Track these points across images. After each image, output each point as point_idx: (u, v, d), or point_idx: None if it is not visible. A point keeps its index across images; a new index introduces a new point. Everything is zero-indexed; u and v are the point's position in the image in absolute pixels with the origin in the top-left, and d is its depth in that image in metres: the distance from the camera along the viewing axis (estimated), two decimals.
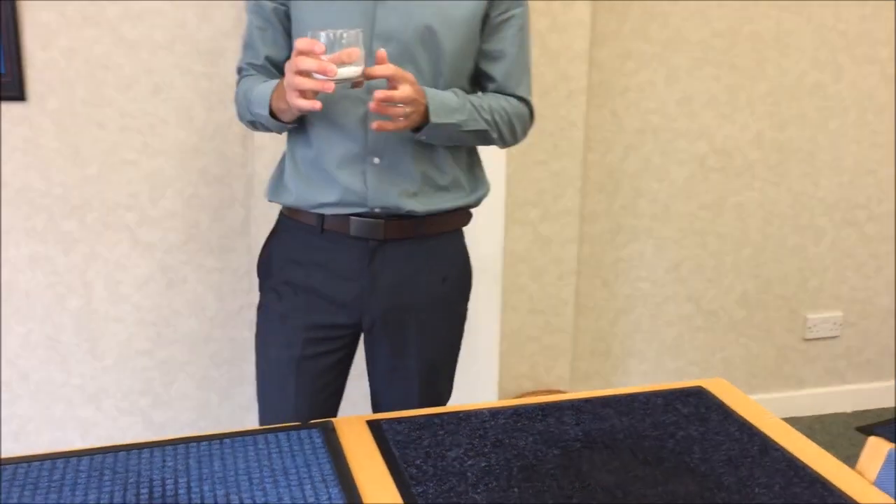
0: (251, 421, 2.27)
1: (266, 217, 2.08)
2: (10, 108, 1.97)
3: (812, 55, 2.56)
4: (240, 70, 1.51)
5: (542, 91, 2.29)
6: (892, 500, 1.12)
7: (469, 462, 1.17)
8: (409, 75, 1.31)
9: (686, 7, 2.43)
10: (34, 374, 2.12)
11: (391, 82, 1.28)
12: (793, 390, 2.83)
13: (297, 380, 1.50)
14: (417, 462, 1.17)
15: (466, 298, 1.61)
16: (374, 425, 1.27)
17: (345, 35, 1.24)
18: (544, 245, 2.40)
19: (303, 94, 1.25)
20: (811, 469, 1.17)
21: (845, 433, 2.71)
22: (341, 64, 1.23)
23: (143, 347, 2.17)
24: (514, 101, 1.49)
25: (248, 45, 1.49)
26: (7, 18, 1.89)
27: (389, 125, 1.33)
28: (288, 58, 1.45)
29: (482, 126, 1.43)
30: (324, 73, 1.21)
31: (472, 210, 1.56)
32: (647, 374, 2.68)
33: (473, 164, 1.53)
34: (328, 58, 1.23)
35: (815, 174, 2.66)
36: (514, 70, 1.49)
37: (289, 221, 1.51)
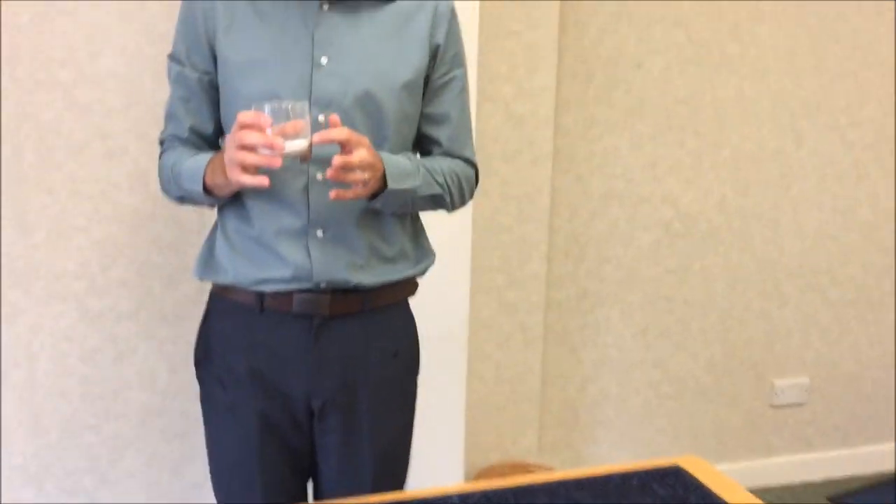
0: (203, 498, 2.15)
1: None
2: None
3: (773, 122, 2.58)
4: (162, 142, 1.45)
5: (507, 157, 2.26)
6: None
7: None
8: (364, 139, 1.25)
9: (649, 74, 2.44)
10: None
11: (345, 147, 1.22)
12: (762, 458, 2.79)
13: (263, 477, 1.40)
14: None
15: (416, 374, 1.52)
16: None
17: (291, 107, 1.18)
18: (510, 312, 2.35)
19: (246, 168, 1.19)
20: None
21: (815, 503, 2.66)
22: (287, 137, 1.17)
23: (89, 422, 2.05)
24: (460, 162, 1.45)
25: (170, 116, 1.42)
26: None
27: (348, 193, 1.26)
28: (215, 129, 1.41)
29: (436, 190, 1.38)
30: (270, 147, 1.16)
31: (428, 278, 1.49)
32: (616, 444, 2.62)
33: (418, 233, 1.46)
34: (274, 130, 1.17)
35: (779, 239, 2.66)
36: (459, 132, 1.44)
37: (223, 302, 1.42)
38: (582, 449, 2.58)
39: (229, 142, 1.21)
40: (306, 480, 1.48)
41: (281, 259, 1.34)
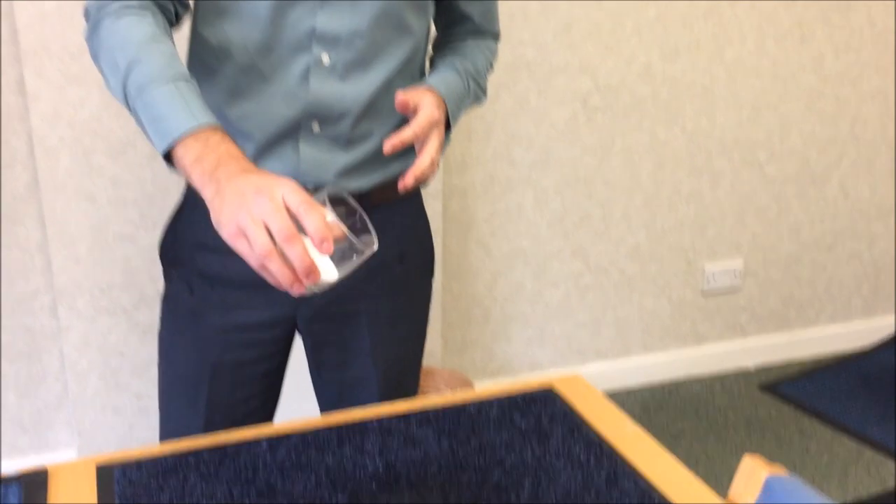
0: (60, 421, 1.93)
1: (54, 183, 1.72)
2: None
3: None
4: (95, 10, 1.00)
5: None
6: None
7: None
8: (433, 113, 1.05)
9: None
10: None
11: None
12: (691, 347, 2.61)
13: (211, 391, 1.18)
14: None
15: (430, 277, 1.29)
16: (103, 473, 0.95)
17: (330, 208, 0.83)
18: None
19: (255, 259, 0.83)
20: (659, 497, 0.90)
21: (747, 393, 2.50)
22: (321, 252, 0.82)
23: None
24: (491, 43, 1.27)
25: None
26: None
27: (428, 169, 1.04)
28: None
29: (479, 99, 1.24)
30: (306, 273, 0.80)
31: None
32: (532, 341, 2.41)
33: None
34: (317, 243, 0.80)
35: (711, 111, 2.40)
36: (492, 5, 1.25)
37: (198, 198, 1.14)
38: (493, 348, 2.38)
39: (258, 201, 0.82)
40: (271, 404, 1.26)
41: (269, 153, 1.09)
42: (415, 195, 1.23)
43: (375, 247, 0.84)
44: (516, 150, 2.24)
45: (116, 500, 0.90)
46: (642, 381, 2.56)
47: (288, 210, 0.81)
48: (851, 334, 2.76)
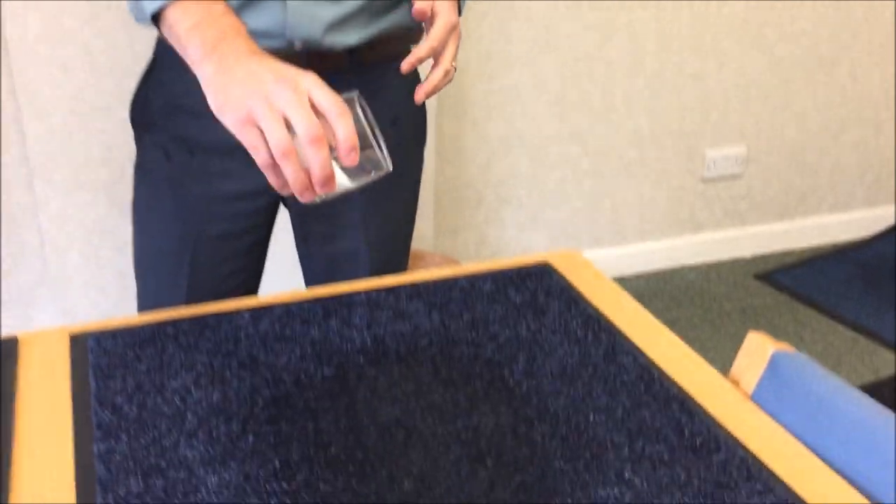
0: (43, 299, 1.89)
1: (24, 49, 1.61)
2: None
3: None
4: None
5: None
6: (771, 422, 0.82)
7: (197, 395, 0.83)
8: (451, 17, 0.94)
9: None
10: None
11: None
12: (689, 235, 2.56)
13: (193, 265, 1.12)
14: (118, 400, 0.82)
15: (423, 144, 1.22)
16: (77, 342, 0.91)
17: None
18: None
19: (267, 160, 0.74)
20: (668, 380, 0.87)
21: (743, 281, 2.47)
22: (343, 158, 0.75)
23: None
24: None
25: None
26: None
27: (441, 81, 0.94)
28: None
29: None
30: (322, 181, 0.72)
31: None
32: (526, 226, 2.36)
33: None
34: (343, 151, 0.73)
35: None
36: None
37: (174, 56, 1.05)
38: (486, 233, 2.33)
39: (279, 90, 0.73)
40: (255, 280, 1.21)
41: (253, 4, 0.99)
42: (409, 55, 1.15)
43: (390, 167, 0.78)
44: (514, 26, 2.14)
45: (90, 370, 0.86)
46: (638, 269, 2.52)
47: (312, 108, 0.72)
48: (852, 224, 2.71)
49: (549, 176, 2.33)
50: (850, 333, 2.26)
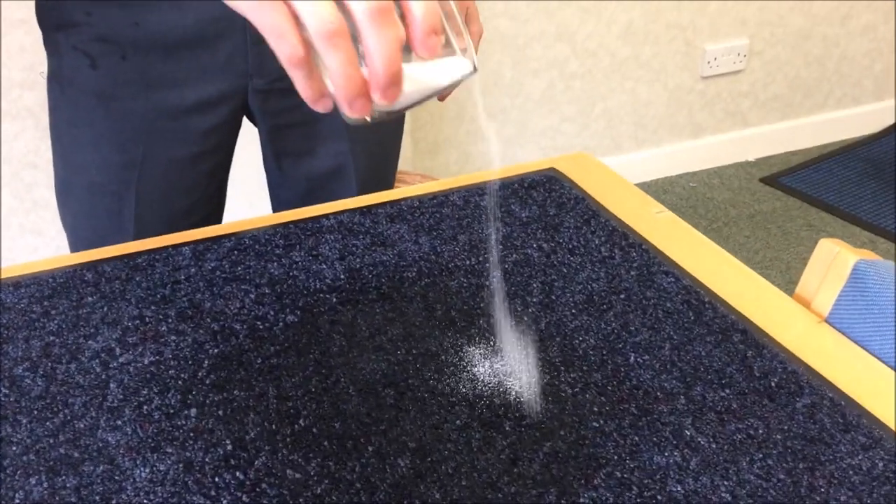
0: None
1: None
2: None
3: None
4: None
5: None
6: (861, 352, 0.65)
7: (123, 359, 0.64)
8: None
9: None
10: None
11: None
12: (688, 140, 2.37)
13: (139, 202, 0.92)
14: (18, 371, 0.63)
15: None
16: None
17: None
18: None
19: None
20: (723, 304, 0.69)
21: (748, 186, 2.30)
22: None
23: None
24: None
25: None
26: None
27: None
28: None
29: None
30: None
31: None
32: (512, 139, 2.16)
33: None
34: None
35: None
36: None
37: None
38: (469, 149, 2.13)
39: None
40: (216, 217, 1.01)
41: None
42: None
43: (475, 68, 0.51)
44: None
45: None
46: (635, 179, 2.34)
47: None
48: (860, 120, 2.53)
49: (534, 82, 2.12)
50: (867, 234, 2.09)
